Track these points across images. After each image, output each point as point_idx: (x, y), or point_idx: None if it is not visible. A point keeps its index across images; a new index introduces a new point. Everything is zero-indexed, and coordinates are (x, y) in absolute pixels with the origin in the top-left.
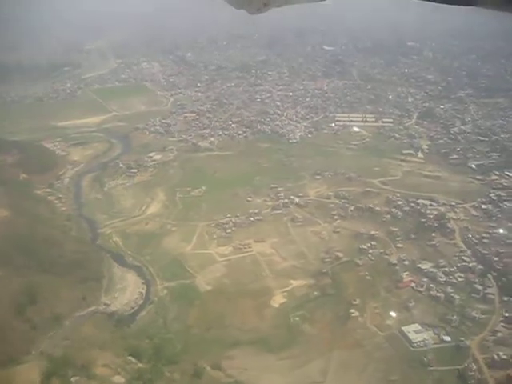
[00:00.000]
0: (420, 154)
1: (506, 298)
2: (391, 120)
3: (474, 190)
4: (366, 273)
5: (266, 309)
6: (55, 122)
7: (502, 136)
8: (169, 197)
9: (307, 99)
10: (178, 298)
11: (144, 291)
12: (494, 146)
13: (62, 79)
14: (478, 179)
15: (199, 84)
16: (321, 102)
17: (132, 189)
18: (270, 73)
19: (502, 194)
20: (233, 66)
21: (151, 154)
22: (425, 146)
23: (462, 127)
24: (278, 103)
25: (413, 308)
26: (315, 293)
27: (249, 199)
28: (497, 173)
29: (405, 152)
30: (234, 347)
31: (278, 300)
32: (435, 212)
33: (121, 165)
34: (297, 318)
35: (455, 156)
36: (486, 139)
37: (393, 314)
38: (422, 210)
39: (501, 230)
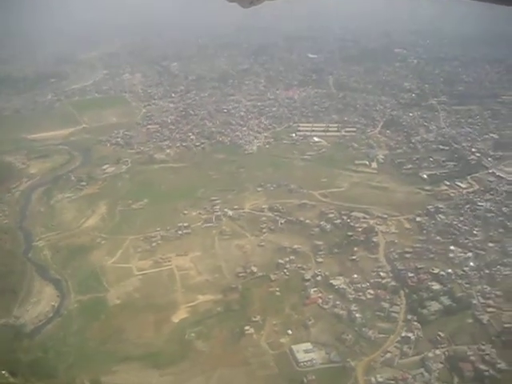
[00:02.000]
0: (374, 165)
1: (409, 317)
2: (354, 129)
3: (418, 201)
4: (277, 288)
5: (165, 324)
6: (25, 135)
7: (464, 144)
8: (109, 210)
9: (274, 109)
10: (86, 312)
11: (57, 304)
12: (452, 155)
13: (46, 91)
14: (426, 190)
15: (173, 95)
16: (287, 111)
17: (77, 202)
18: (247, 82)
19: (441, 205)
20: (213, 76)
21: (105, 167)
22: (381, 156)
23: (425, 136)
24: (243, 114)
25: (312, 326)
26: (218, 308)
27: (185, 212)
28: (447, 183)
29: (358, 162)
30: (123, 362)
31: (179, 315)
32: (365, 225)
33: (72, 178)
34: (192, 334)
35: (409, 166)
36: (447, 148)
37: (290, 331)
38: (352, 224)
39: (425, 245)
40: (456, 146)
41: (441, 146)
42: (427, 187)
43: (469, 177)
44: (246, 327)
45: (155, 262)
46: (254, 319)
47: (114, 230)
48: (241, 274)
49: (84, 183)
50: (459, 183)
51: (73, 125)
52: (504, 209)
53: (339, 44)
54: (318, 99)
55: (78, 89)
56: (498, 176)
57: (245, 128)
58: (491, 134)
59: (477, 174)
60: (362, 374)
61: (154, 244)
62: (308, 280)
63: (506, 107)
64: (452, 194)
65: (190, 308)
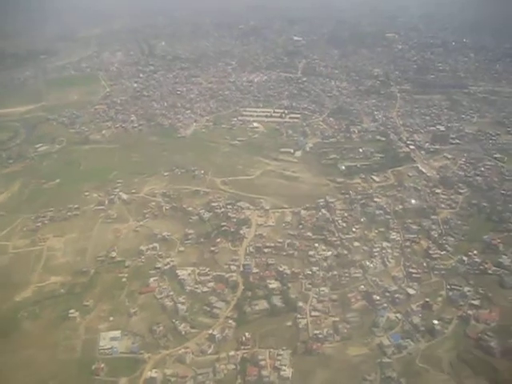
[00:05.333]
0: (298, 153)
1: (230, 314)
2: (298, 116)
3: (318, 193)
4: (126, 275)
5: (6, 302)
6: None
7: (402, 136)
8: (21, 188)
9: (226, 92)
10: None
11: None
12: (385, 146)
13: (28, 68)
14: (337, 182)
15: (141, 75)
16: (240, 95)
17: None
18: (219, 64)
19: (335, 200)
20: (190, 57)
21: (38, 145)
22: (310, 145)
23: (367, 125)
24: (194, 96)
25: (134, 314)
26: (62, 290)
27: (86, 194)
28: (363, 176)
29: (283, 150)
30: None
31: (24, 294)
32: (242, 216)
33: (3, 155)
34: (25, 314)
35: (333, 156)
36: (383, 139)
37: (111, 318)
38: (231, 214)
39: (292, 240)
40: (394, 137)
41: (378, 137)
42: (340, 179)
43: (390, 170)
44: (71, 310)
45: (32, 242)
46: (86, 303)
47: (15, 208)
48: (100, 258)
49: (11, 161)
50: (375, 177)
51: (34, 102)
52: (398, 207)
53: (335, 26)
54: (275, 83)
55: (60, 66)
56: (420, 171)
57: (189, 111)
58: (438, 126)
59: (400, 168)
60: (149, 367)
61: (39, 224)
62: (158, 268)
63: (469, 98)
64: (360, 188)
65: (37, 288)
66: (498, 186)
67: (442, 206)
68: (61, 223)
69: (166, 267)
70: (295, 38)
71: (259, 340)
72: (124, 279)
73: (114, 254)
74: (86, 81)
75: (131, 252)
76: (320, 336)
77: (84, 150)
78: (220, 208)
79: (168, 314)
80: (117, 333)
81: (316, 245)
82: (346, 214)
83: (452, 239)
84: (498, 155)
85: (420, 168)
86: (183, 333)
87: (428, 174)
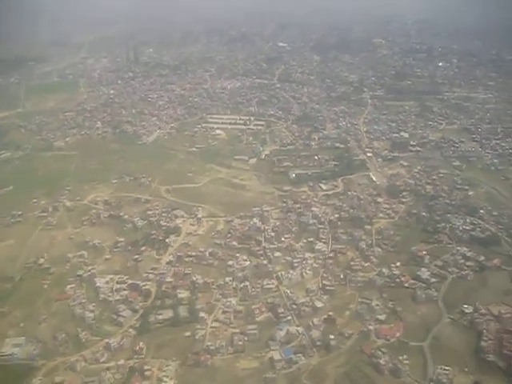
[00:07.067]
0: (252, 161)
1: (134, 323)
2: (263, 123)
3: (261, 202)
4: (48, 282)
5: None
6: None
7: (362, 143)
8: None
9: (196, 99)
10: None
11: None
12: (342, 153)
13: (14, 74)
14: (283, 190)
15: (119, 81)
16: (209, 102)
17: None
18: (198, 70)
19: (269, 208)
20: (171, 63)
21: (1, 152)
22: (266, 152)
23: (329, 132)
24: (163, 103)
25: (44, 321)
26: None
27: (34, 200)
28: (311, 184)
29: (237, 158)
30: None
31: None
32: (173, 225)
33: None
34: None
35: (286, 164)
36: (342, 146)
37: (22, 324)
38: (163, 222)
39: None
40: (353, 144)
41: (337, 144)
42: (287, 187)
43: (340, 178)
44: None
45: None
46: (1, 309)
47: None
48: (29, 265)
49: None
50: (323, 185)
51: (11, 109)
52: (333, 216)
53: (324, 32)
54: (247, 90)
55: (45, 72)
56: (371, 179)
57: (155, 118)
58: (402, 133)
59: (351, 176)
60: (41, 375)
61: None
62: (78, 276)
63: (442, 104)
64: (303, 196)
65: None
66: (446, 195)
67: (381, 215)
68: (2, 230)
69: (85, 275)
70: (280, 44)
71: (154, 350)
72: (46, 286)
73: (41, 261)
74: (66, 88)
75: (59, 259)
76: (212, 348)
77: (45, 157)
78: (155, 216)
79: (75, 322)
80: (21, 339)
81: (237, 254)
82: (277, 224)
83: (380, 250)
84: (457, 163)
85: (371, 177)
86: (83, 340)
87: (378, 183)
